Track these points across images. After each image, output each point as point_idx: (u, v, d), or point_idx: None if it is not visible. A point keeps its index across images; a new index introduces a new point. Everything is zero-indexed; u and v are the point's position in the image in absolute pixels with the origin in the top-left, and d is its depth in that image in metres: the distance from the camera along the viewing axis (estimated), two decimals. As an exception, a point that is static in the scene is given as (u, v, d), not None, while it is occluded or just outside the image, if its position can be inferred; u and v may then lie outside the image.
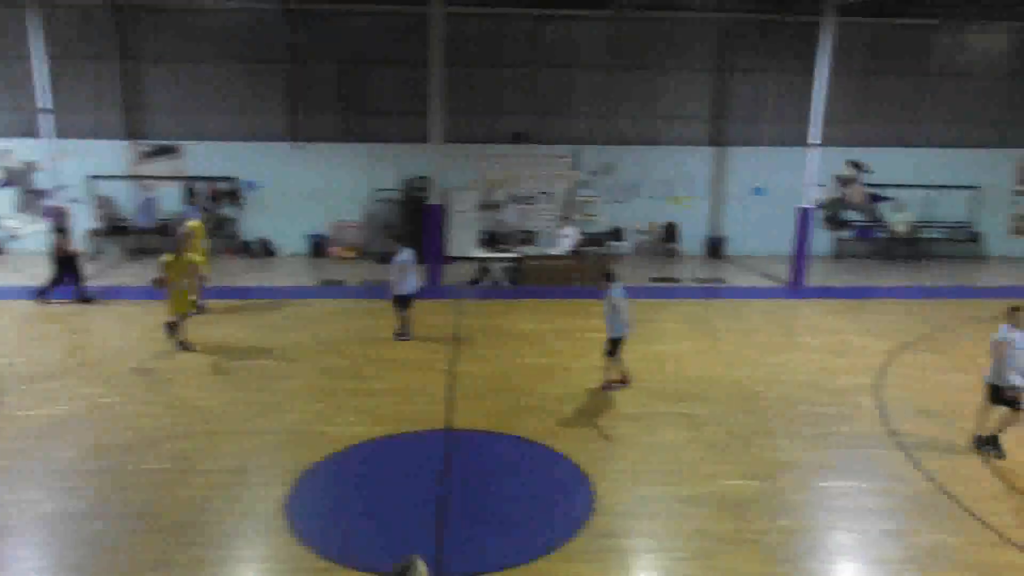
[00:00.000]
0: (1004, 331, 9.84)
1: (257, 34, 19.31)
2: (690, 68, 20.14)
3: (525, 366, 13.03)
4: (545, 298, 16.74)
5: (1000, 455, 10.06)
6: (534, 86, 20.00)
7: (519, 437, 10.51)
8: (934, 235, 21.13)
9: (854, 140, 20.66)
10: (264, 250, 20.02)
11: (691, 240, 20.78)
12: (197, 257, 13.71)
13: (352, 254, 19.88)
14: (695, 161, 20.49)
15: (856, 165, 20.72)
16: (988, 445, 10.18)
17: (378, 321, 14.87)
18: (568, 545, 8.16)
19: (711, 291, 17.72)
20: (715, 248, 20.68)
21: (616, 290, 11.61)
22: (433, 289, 17.27)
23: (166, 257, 12.79)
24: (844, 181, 20.73)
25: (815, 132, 17.52)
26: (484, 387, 12.11)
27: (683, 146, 20.44)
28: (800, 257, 18.00)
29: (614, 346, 11.73)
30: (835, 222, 20.92)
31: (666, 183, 20.51)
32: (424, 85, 17.37)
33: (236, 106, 19.63)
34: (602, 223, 20.34)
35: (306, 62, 19.51)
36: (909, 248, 20.74)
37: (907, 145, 20.89)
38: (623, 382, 12.03)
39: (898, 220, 20.62)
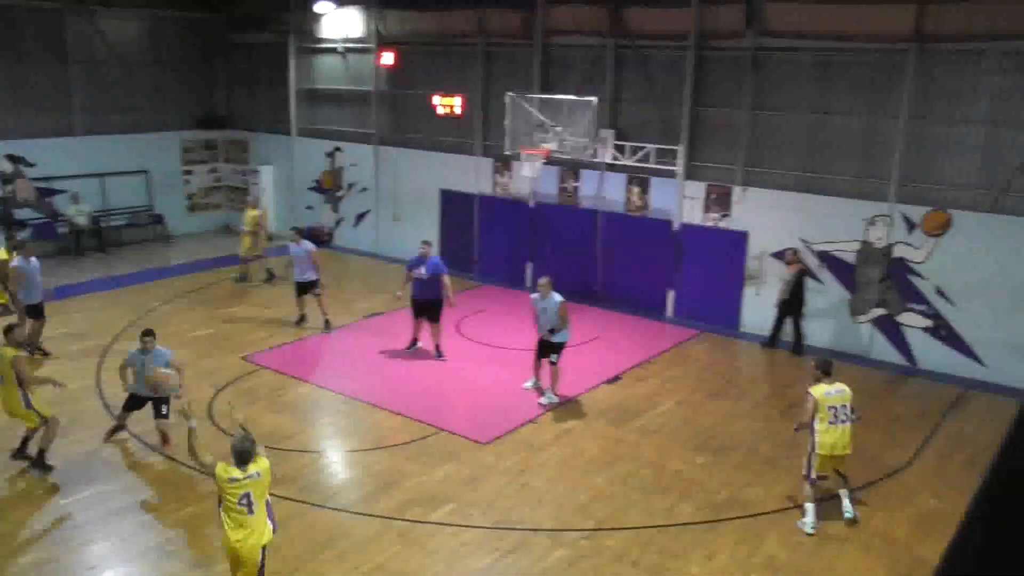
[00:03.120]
0: (537, 299, 11.51)
1: None
2: None
3: None
4: None
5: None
6: None
7: None
8: (118, 223, 20.96)
9: (11, 133, 18.85)
10: None
11: None
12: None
13: None
14: None
15: (16, 159, 18.99)
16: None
17: None
18: None
19: None
20: None
21: None
22: None
23: None
24: (6, 178, 18.83)
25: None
26: None
27: None
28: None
29: None
30: (8, 222, 18.91)
31: None
32: None
33: None
34: None
35: None
36: (96, 239, 20.15)
37: (71, 135, 20.01)
38: None
39: (76, 212, 19.77)
